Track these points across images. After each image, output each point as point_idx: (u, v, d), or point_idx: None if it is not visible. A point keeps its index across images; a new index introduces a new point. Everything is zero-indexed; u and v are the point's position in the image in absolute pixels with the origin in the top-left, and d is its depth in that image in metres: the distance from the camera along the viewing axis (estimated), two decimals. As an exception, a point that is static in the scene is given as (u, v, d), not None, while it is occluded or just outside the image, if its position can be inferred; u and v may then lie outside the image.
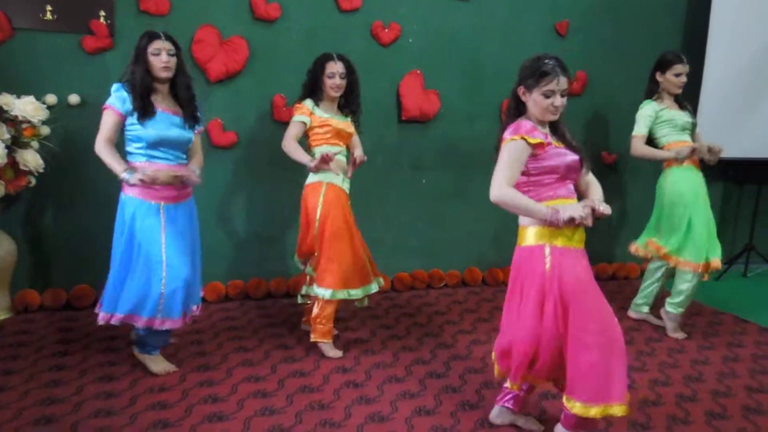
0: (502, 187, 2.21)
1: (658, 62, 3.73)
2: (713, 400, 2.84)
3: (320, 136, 3.22)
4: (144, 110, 2.79)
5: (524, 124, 2.28)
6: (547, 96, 2.23)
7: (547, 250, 2.24)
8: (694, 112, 3.85)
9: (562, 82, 2.23)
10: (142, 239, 2.79)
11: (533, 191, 2.28)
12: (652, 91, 3.76)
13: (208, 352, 3.17)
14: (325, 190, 3.17)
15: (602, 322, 2.19)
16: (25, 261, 3.59)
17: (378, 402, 2.71)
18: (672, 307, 3.68)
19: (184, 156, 2.99)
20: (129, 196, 2.82)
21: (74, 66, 3.54)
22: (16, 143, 3.26)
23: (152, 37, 2.82)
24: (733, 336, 3.70)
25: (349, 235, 3.18)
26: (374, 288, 3.27)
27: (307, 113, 3.19)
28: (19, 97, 3.27)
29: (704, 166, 3.84)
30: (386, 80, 4.16)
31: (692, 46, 4.77)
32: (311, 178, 3.23)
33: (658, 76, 3.72)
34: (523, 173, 2.27)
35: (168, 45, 2.82)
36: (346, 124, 3.30)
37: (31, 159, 3.28)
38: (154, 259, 2.78)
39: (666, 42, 4.69)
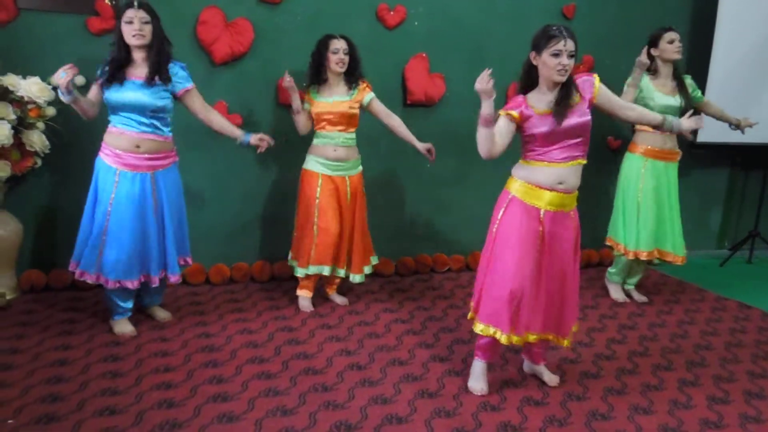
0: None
1: (649, 40, 3.82)
2: (715, 384, 2.85)
3: (316, 119, 3.49)
4: (110, 78, 2.91)
5: (515, 99, 2.55)
6: (555, 55, 2.42)
7: (510, 197, 2.59)
8: (686, 95, 3.86)
9: (569, 44, 2.43)
10: (99, 199, 3.00)
11: (527, 149, 2.59)
12: (648, 69, 3.83)
13: (213, 334, 3.19)
14: (322, 182, 3.47)
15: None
16: (30, 241, 3.61)
17: (381, 384, 2.73)
18: (612, 276, 4.08)
19: (149, 123, 3.00)
20: (99, 157, 3.03)
21: (79, 47, 3.53)
22: (21, 124, 3.26)
23: (126, 6, 2.90)
24: (736, 321, 3.70)
25: (328, 214, 3.47)
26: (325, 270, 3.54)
27: (308, 100, 3.50)
28: (24, 77, 3.27)
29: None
30: (391, 63, 4.14)
31: (700, 30, 4.73)
32: (308, 164, 3.53)
33: (653, 51, 3.79)
34: (522, 135, 2.59)
35: (141, 13, 2.89)
36: (341, 104, 3.45)
37: (37, 140, 3.29)
38: (99, 223, 2.98)
39: (674, 26, 4.65)
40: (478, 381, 2.69)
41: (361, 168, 3.63)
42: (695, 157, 4.93)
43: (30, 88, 3.23)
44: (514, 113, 2.50)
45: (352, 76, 3.49)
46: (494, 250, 2.60)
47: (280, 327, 3.33)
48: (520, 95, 2.57)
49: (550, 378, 2.80)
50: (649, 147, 3.84)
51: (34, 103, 3.27)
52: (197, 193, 3.84)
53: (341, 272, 3.62)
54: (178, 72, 3.05)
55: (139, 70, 2.97)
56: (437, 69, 4.24)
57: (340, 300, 3.74)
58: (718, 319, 3.73)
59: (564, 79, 2.47)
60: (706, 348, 3.28)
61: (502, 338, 2.53)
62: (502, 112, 2.53)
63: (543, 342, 2.73)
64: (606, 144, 4.73)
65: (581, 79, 2.58)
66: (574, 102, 2.51)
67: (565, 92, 2.51)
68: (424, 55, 4.19)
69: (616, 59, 4.62)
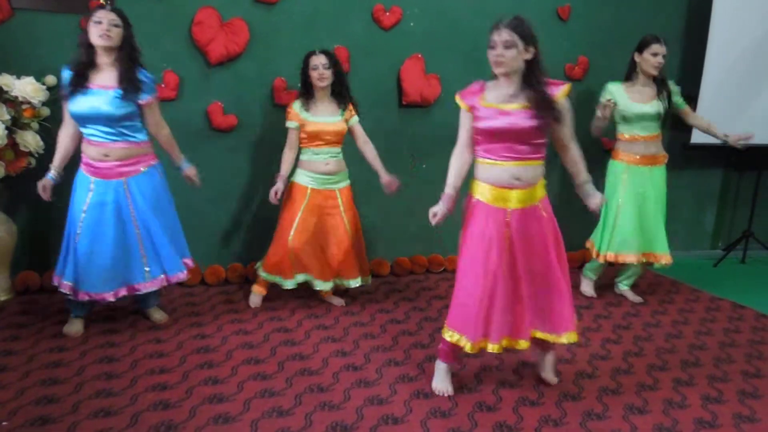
0: (454, 150, 2.65)
1: (638, 43, 3.80)
2: (709, 384, 2.86)
3: (304, 138, 3.47)
4: (74, 87, 2.85)
5: (473, 85, 2.55)
6: (491, 48, 2.40)
7: (474, 200, 2.58)
8: (668, 99, 3.85)
9: (503, 34, 2.36)
10: (72, 209, 3.01)
11: (477, 148, 2.57)
12: (629, 72, 3.86)
13: (208, 335, 3.19)
14: (308, 201, 3.48)
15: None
16: (25, 242, 3.59)
17: (377, 385, 2.73)
18: (586, 272, 4.15)
19: (116, 132, 2.93)
20: (79, 169, 3.03)
21: (74, 47, 3.49)
22: (16, 124, 3.25)
23: (96, 8, 2.87)
24: (730, 322, 3.71)
25: (307, 230, 3.47)
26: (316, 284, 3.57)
27: (294, 118, 3.46)
28: (18, 77, 3.26)
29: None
30: (387, 64, 4.14)
31: (694, 31, 4.75)
32: (297, 178, 3.54)
33: (636, 57, 3.79)
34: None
35: (111, 15, 2.83)
36: (335, 124, 3.46)
37: (32, 140, 3.28)
38: (73, 230, 2.98)
39: (668, 27, 4.67)
40: (442, 382, 2.68)
41: (349, 181, 3.63)
42: (689, 157, 4.96)
43: (24, 88, 3.23)
44: (464, 104, 2.53)
45: (341, 95, 3.49)
46: (462, 256, 2.58)
47: (276, 328, 3.33)
48: (480, 82, 2.56)
49: (549, 377, 2.78)
50: (629, 154, 3.87)
51: (29, 103, 3.26)
52: (192, 194, 3.84)
53: (338, 282, 3.63)
54: (143, 81, 2.95)
55: (104, 77, 2.89)
56: (433, 70, 4.24)
57: (336, 301, 3.74)
58: (713, 319, 3.75)
59: (501, 70, 2.40)
60: (701, 348, 3.30)
61: (467, 346, 2.51)
62: (457, 98, 2.56)
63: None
64: (601, 145, 4.74)
65: (552, 87, 2.45)
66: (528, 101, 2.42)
67: (529, 89, 2.41)
68: (419, 55, 4.19)
69: (611, 60, 4.63)
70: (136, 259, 3.04)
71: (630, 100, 3.79)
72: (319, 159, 3.48)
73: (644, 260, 3.89)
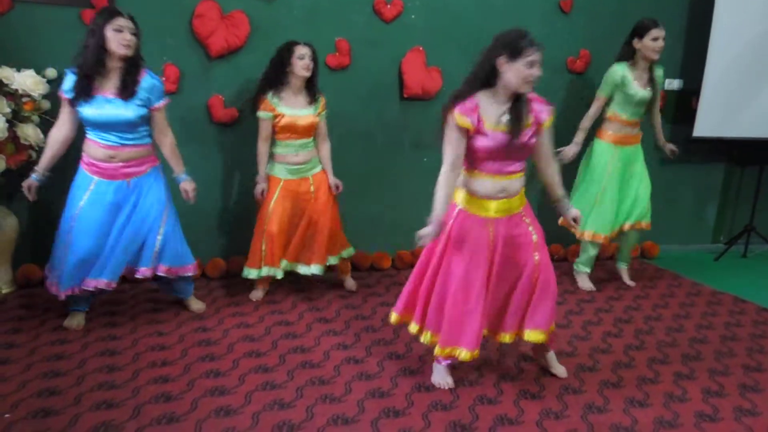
0: (442, 172, 2.49)
1: (635, 28, 3.82)
2: (710, 378, 2.86)
3: (276, 131, 3.48)
4: (81, 92, 2.83)
5: (469, 103, 2.43)
6: (530, 65, 2.34)
7: (456, 210, 2.55)
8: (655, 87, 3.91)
9: (539, 54, 2.37)
10: (67, 209, 3.00)
11: (467, 161, 2.54)
12: (625, 55, 3.87)
13: (210, 328, 3.19)
14: (281, 188, 3.51)
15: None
16: (27, 236, 3.59)
17: (378, 378, 2.73)
18: (579, 266, 4.11)
19: (131, 137, 2.96)
20: (80, 168, 3.02)
21: (74, 39, 3.48)
22: (16, 117, 3.25)
23: (113, 13, 2.82)
24: (731, 315, 3.71)
25: (282, 216, 3.50)
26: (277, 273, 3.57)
27: (268, 109, 3.43)
28: (19, 70, 3.26)
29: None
30: (388, 57, 4.13)
31: (697, 24, 4.73)
32: (273, 171, 3.56)
33: (636, 43, 3.80)
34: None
35: (130, 24, 2.84)
36: (307, 117, 3.46)
37: (32, 133, 3.28)
38: (64, 230, 2.97)
39: (671, 20, 4.65)
40: (441, 375, 2.69)
41: (321, 166, 3.63)
42: (691, 151, 4.94)
43: (25, 81, 3.22)
44: (468, 124, 2.41)
45: (314, 87, 3.48)
46: (449, 267, 2.57)
47: (277, 321, 3.33)
48: (473, 98, 2.45)
49: (558, 371, 2.80)
50: (616, 135, 3.94)
51: (29, 96, 3.26)
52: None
53: (303, 269, 3.61)
54: (156, 85, 2.98)
55: (110, 84, 2.88)
56: (434, 63, 4.22)
57: (349, 284, 3.82)
58: (714, 313, 3.75)
59: (531, 90, 2.42)
60: (702, 341, 3.30)
61: (465, 356, 2.54)
62: (457, 116, 2.40)
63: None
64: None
65: (540, 105, 2.50)
66: (527, 122, 2.45)
67: (521, 108, 2.43)
68: (420, 48, 4.17)
69: (613, 53, 4.60)
70: (104, 256, 3.01)
71: (634, 81, 3.84)
72: (290, 151, 3.50)
73: (628, 230, 3.99)
